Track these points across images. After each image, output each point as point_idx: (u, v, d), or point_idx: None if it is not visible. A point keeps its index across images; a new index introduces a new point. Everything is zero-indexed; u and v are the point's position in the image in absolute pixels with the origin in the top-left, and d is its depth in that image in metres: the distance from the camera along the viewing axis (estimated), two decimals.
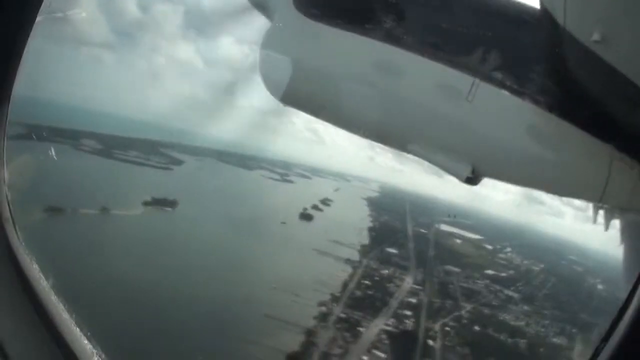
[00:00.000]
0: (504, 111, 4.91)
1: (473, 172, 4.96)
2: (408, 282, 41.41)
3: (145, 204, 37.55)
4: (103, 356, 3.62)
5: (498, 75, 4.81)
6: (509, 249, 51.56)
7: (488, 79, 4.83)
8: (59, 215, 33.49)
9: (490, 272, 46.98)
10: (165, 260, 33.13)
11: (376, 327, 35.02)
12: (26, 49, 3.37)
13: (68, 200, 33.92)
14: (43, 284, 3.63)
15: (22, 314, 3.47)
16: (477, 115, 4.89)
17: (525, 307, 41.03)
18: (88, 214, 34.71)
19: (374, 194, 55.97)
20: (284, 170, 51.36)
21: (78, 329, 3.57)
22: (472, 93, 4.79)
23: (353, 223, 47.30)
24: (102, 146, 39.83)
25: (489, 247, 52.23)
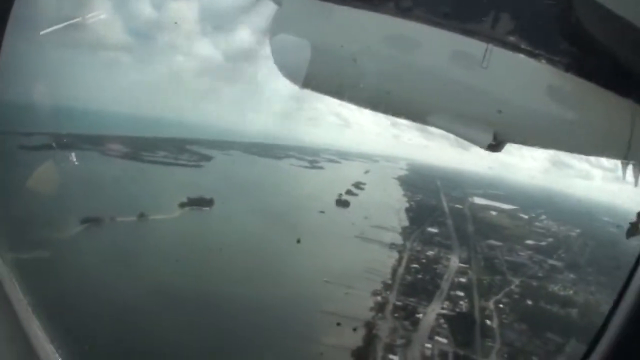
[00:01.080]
0: (520, 74, 4.88)
1: (495, 138, 4.94)
2: (454, 261, 40.62)
3: (182, 205, 36.33)
4: None
5: (511, 39, 4.76)
6: (544, 217, 51.15)
7: (501, 43, 4.77)
8: (97, 226, 32.37)
9: (530, 242, 46.44)
10: (211, 262, 32.16)
11: (433, 312, 34.17)
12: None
13: (105, 209, 32.76)
14: (25, 306, 3.71)
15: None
16: (494, 81, 4.83)
17: (571, 275, 40.59)
18: (126, 221, 33.50)
19: (404, 172, 55.59)
20: (313, 157, 50.59)
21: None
22: (486, 59, 4.76)
23: (390, 205, 46.68)
24: (130, 149, 38.61)
25: (525, 216, 51.79)
